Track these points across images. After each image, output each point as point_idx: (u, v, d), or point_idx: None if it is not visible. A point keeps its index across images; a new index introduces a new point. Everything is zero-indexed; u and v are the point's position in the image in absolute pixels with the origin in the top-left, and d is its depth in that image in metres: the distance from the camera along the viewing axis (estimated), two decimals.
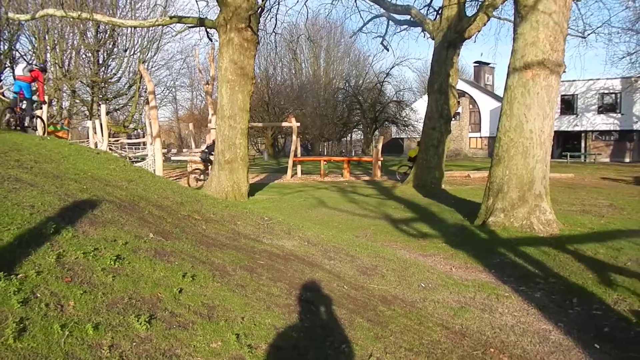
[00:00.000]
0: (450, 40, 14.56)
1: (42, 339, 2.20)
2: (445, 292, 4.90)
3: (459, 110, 42.17)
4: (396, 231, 8.58)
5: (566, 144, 38.17)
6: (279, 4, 15.84)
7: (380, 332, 3.26)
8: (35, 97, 10.56)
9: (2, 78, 29.61)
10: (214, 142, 19.58)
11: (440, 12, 15.54)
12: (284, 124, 25.88)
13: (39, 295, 2.51)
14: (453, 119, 16.10)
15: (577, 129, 37.82)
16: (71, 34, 31.53)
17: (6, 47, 30.21)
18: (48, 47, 30.54)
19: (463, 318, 4.21)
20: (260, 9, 13.02)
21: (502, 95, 8.81)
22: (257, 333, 2.77)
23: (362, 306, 3.76)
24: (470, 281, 5.41)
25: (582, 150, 37.55)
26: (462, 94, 42.11)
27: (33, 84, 10.29)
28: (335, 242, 6.08)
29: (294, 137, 21.14)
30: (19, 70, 10.39)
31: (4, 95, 17.19)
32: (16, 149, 5.71)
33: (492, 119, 43.46)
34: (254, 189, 14.83)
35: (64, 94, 32.98)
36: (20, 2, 27.34)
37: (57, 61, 30.94)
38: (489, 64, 50.30)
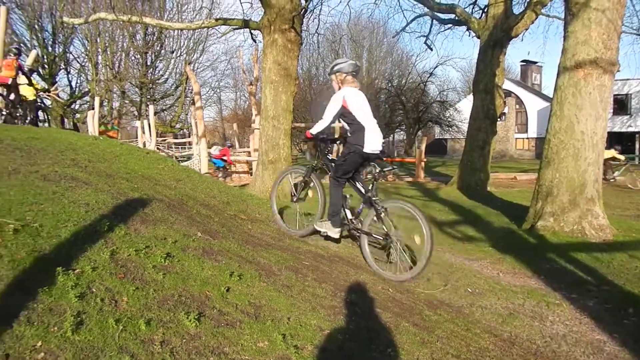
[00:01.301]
0: (497, 39, 14.24)
1: (97, 333, 2.28)
2: (493, 298, 4.77)
3: (505, 110, 41.22)
4: (440, 234, 8.44)
5: (619, 145, 36.62)
6: (322, 4, 15.93)
7: (427, 337, 3.22)
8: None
9: (57, 80, 30.96)
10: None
11: (486, 10, 15.23)
12: None
13: (94, 290, 2.61)
14: (499, 119, 15.73)
15: (631, 129, 36.27)
16: (121, 37, 32.68)
17: (61, 49, 31.61)
18: (99, 50, 31.72)
19: (512, 325, 4.09)
20: (303, 9, 13.08)
21: (550, 95, 8.55)
22: (303, 334, 2.78)
23: (407, 310, 3.72)
24: (519, 287, 5.26)
25: (636, 152, 35.93)
26: (509, 93, 41.11)
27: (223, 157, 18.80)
28: None
29: (336, 137, 21.12)
30: (213, 150, 18.74)
31: (58, 96, 17.98)
32: (72, 148, 5.95)
33: (539, 120, 42.27)
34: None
35: (114, 95, 34.16)
36: (74, 6, 28.50)
37: (107, 63, 32.12)
38: (536, 62, 48.90)
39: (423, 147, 21.21)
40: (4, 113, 10.20)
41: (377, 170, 4.83)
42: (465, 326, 3.75)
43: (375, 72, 48.74)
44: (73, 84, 33.71)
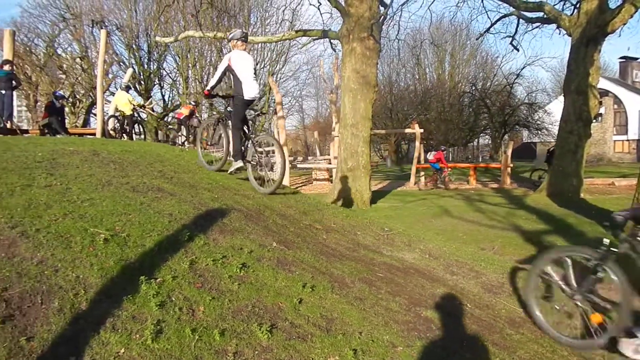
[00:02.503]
0: (590, 36, 13.31)
1: (175, 342, 2.38)
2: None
3: (601, 111, 38.47)
4: (527, 244, 8.00)
5: None
6: (401, 10, 15.75)
7: (507, 358, 3.04)
8: None
9: (151, 95, 33.14)
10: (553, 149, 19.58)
11: (578, 6, 14.30)
12: (407, 130, 25.57)
13: (173, 299, 2.73)
14: (594, 120, 14.66)
15: None
16: (209, 52, 34.29)
17: (155, 66, 33.83)
18: (189, 65, 33.55)
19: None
20: (382, 17, 13.03)
21: None
22: (374, 350, 2.73)
23: (486, 327, 3.54)
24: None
25: None
26: (605, 93, 38.35)
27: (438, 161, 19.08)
28: (459, 255, 5.82)
29: (417, 143, 20.81)
30: (428, 155, 19.35)
31: (153, 110, 19.24)
32: (159, 160, 6.31)
33: None
34: (376, 196, 14.83)
35: (203, 107, 35.91)
36: (167, 26, 30.41)
37: (197, 77, 33.87)
38: (637, 59, 45.12)
39: (509, 151, 20.27)
40: (179, 142, 13.87)
41: (253, 114, 6.09)
42: (552, 347, 3.51)
43: (459, 76, 47.38)
44: (166, 98, 35.92)
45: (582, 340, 3.72)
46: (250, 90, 6.14)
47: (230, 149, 6.36)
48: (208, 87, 6.38)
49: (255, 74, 6.48)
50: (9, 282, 2.47)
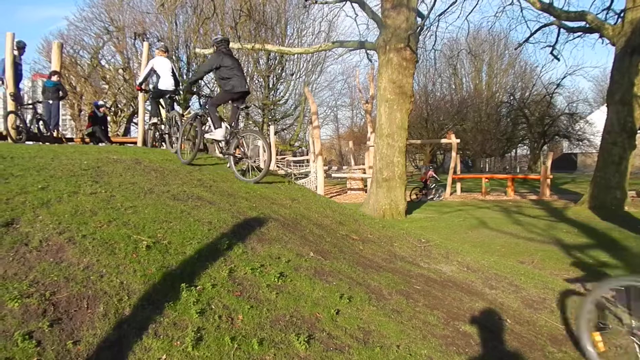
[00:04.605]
0: (635, 45, 12.91)
1: (215, 350, 2.41)
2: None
3: None
4: (568, 259, 7.76)
5: None
6: (438, 21, 15.64)
7: None
8: None
9: (190, 104, 33.88)
10: None
11: (622, 15, 13.90)
12: (443, 140, 25.29)
13: (213, 307, 2.77)
14: (639, 131, 14.15)
15: None
16: (246, 62, 34.84)
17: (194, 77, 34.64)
18: None
19: None
20: (419, 28, 12.98)
21: None
22: None
23: (527, 344, 3.44)
24: None
25: None
26: None
27: None
28: (497, 268, 5.69)
29: (453, 153, 20.56)
30: None
31: None
32: (198, 168, 6.44)
33: None
34: (411, 207, 14.69)
35: (240, 117, 36.50)
36: (206, 38, 31.10)
37: None
38: None
39: (549, 162, 19.77)
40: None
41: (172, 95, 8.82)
42: None
43: (496, 86, 46.52)
44: None
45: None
46: (165, 83, 8.64)
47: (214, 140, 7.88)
48: (138, 83, 9.12)
49: (172, 72, 8.84)
50: (57, 287, 2.55)
